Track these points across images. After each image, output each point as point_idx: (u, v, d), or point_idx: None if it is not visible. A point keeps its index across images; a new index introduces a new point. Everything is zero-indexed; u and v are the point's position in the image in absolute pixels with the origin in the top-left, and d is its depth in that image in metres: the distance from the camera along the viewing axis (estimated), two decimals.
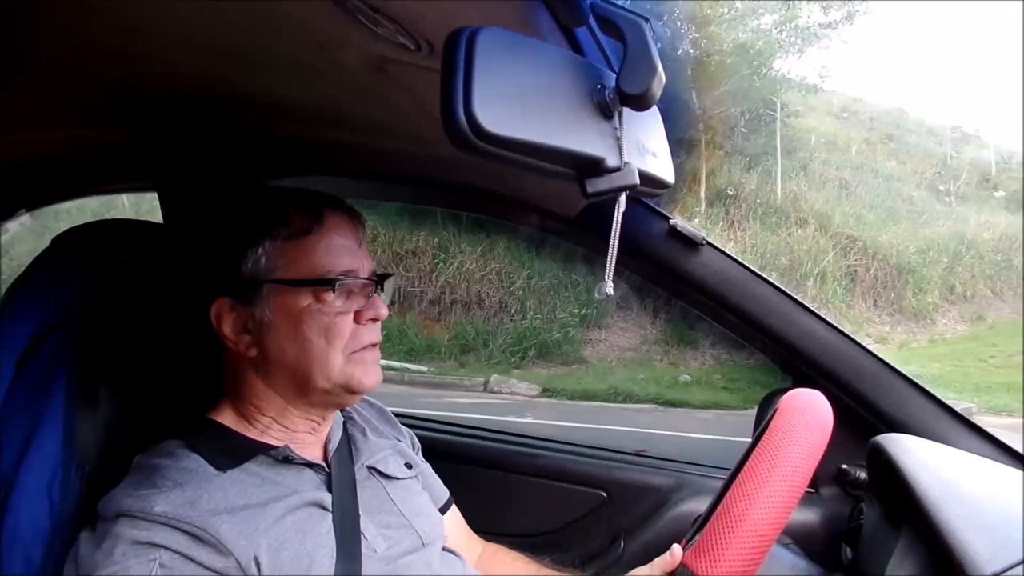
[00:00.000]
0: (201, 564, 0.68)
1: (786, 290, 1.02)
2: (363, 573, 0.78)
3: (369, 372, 0.81)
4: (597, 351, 7.70)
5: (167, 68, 0.72)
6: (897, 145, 11.92)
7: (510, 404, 6.51)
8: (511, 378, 7.02)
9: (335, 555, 0.76)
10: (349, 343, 0.79)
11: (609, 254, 0.49)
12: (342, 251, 0.80)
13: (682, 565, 0.58)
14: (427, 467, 1.01)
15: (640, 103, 0.45)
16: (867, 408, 0.98)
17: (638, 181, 0.46)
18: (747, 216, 9.03)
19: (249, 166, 1.22)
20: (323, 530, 0.77)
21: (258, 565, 0.70)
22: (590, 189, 0.46)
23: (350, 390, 0.80)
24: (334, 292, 0.78)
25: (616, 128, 0.47)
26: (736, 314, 1.02)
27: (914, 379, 0.98)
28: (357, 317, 0.80)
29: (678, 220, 1.01)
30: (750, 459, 0.62)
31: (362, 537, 0.80)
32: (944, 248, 9.35)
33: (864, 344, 1.01)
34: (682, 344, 7.55)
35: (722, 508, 0.58)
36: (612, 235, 0.49)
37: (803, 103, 10.88)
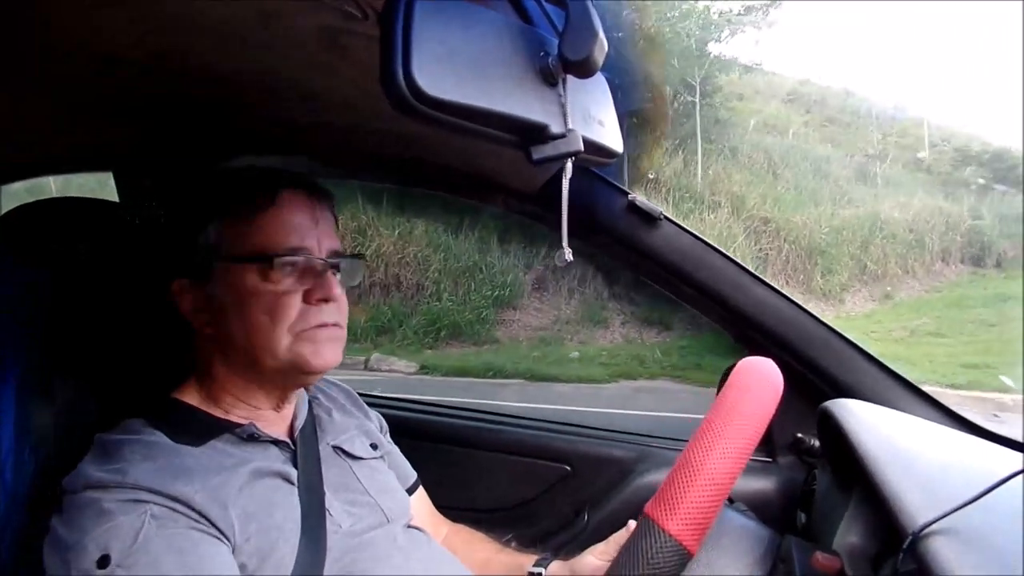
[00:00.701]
0: (187, 516, 0.68)
1: (740, 262, 1.05)
2: (328, 548, 0.78)
3: (320, 352, 0.79)
4: (509, 331, 8.01)
5: (112, 36, 0.71)
6: (836, 127, 12.28)
7: (389, 381, 6.76)
8: (392, 356, 7.36)
9: (299, 530, 0.76)
10: (297, 322, 0.78)
11: (562, 221, 0.50)
12: (293, 229, 0.79)
13: (643, 515, 0.59)
14: (395, 449, 1.02)
15: (582, 70, 0.46)
16: (819, 375, 1.01)
17: (582, 147, 0.47)
18: (664, 200, 9.20)
19: (205, 145, 1.20)
20: (290, 504, 0.77)
21: (232, 532, 0.70)
22: (535, 156, 0.47)
23: (300, 369, 0.79)
24: (273, 269, 0.76)
25: (560, 95, 0.48)
26: (692, 286, 1.04)
27: (862, 347, 1.01)
28: (307, 296, 0.79)
29: (637, 196, 1.02)
30: (707, 416, 0.64)
31: (327, 513, 0.81)
32: (858, 228, 9.65)
33: (813, 313, 1.04)
34: (593, 324, 7.93)
35: (680, 460, 0.60)
36: (563, 201, 0.50)
37: (749, 86, 11.09)
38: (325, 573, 0.76)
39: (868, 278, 9.53)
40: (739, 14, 10.35)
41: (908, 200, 10.28)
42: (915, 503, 0.59)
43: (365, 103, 0.92)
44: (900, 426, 0.84)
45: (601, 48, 0.45)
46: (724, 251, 1.04)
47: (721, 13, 10.38)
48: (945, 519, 0.55)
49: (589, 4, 0.45)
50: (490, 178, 1.10)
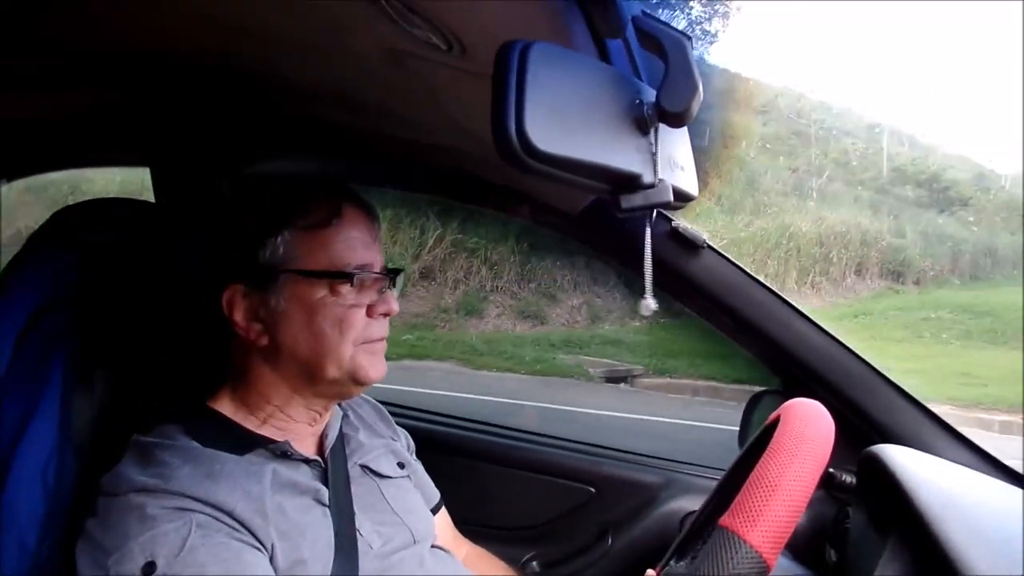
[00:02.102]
0: (230, 527, 0.69)
1: (782, 295, 1.04)
2: (360, 569, 0.78)
3: (376, 364, 0.81)
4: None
5: (163, 34, 0.70)
6: (799, 140, 12.53)
7: None
8: None
9: (333, 551, 0.76)
10: (360, 335, 0.79)
11: (645, 270, 0.49)
12: (358, 244, 0.80)
13: (719, 527, 0.59)
14: (420, 467, 1.02)
15: (678, 120, 0.45)
16: (856, 413, 1.00)
17: (672, 198, 0.46)
18: None
19: (243, 145, 1.20)
20: (321, 525, 0.77)
21: (271, 545, 0.71)
22: (625, 205, 0.46)
23: (357, 381, 0.80)
24: (351, 286, 0.78)
25: (651, 144, 0.47)
26: (732, 316, 1.03)
27: (902, 387, 1.00)
28: (369, 311, 0.80)
29: (680, 222, 1.02)
30: (773, 440, 0.64)
31: (358, 533, 0.81)
32: (763, 240, 9.72)
33: (855, 350, 1.03)
34: (468, 313, 8.27)
35: (754, 476, 0.61)
36: (645, 251, 0.49)
37: (719, 95, 11.12)
38: None
39: None
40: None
41: (826, 214, 10.47)
42: (983, 564, 0.58)
43: (412, 117, 0.92)
44: (958, 479, 0.83)
45: (699, 100, 0.45)
46: (766, 283, 1.03)
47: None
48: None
49: (690, 56, 0.45)
50: (532, 196, 1.09)
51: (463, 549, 1.06)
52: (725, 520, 0.59)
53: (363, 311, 0.80)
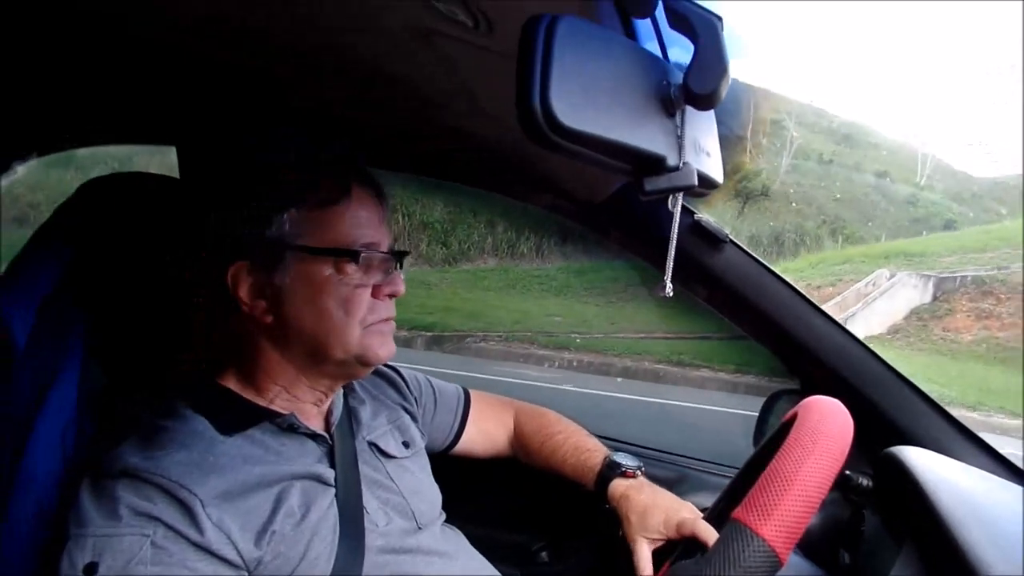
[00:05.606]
0: (196, 545, 0.66)
1: (803, 292, 1.02)
2: (366, 547, 0.78)
3: (384, 345, 0.81)
4: None
5: (194, 7, 0.70)
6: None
7: None
8: None
9: (338, 529, 0.76)
10: (367, 316, 0.79)
11: (668, 254, 0.49)
12: (366, 223, 0.79)
13: (732, 520, 0.58)
14: (429, 404, 1.06)
15: (706, 103, 0.45)
16: (874, 415, 0.99)
17: (696, 182, 0.46)
18: None
19: (269, 122, 1.20)
20: (325, 503, 0.77)
21: (257, 542, 0.70)
22: (648, 187, 0.45)
23: (364, 362, 0.80)
24: (357, 264, 0.77)
25: (677, 126, 0.46)
26: (752, 312, 1.02)
27: (922, 390, 0.98)
28: (375, 292, 0.80)
29: (702, 216, 1.00)
30: (790, 435, 0.63)
31: (364, 511, 0.81)
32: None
33: (875, 351, 1.01)
34: None
35: (769, 470, 0.60)
36: (671, 235, 0.48)
37: None
38: (363, 572, 0.77)
39: None
40: None
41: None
42: (1006, 570, 0.57)
43: (435, 97, 0.91)
44: (980, 485, 0.82)
45: (727, 82, 0.44)
46: (788, 280, 1.01)
47: None
48: None
49: (721, 37, 0.44)
50: (553, 182, 1.08)
51: (510, 412, 1.15)
52: (738, 513, 0.58)
53: (369, 291, 0.79)
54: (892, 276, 12.08)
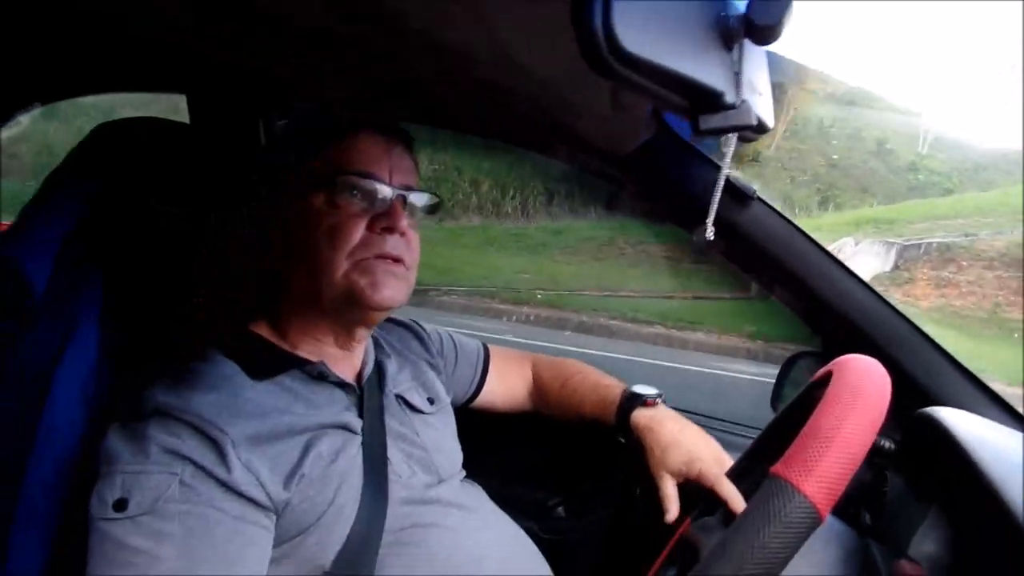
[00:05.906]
0: (224, 484, 0.66)
1: (829, 251, 1.00)
2: (389, 498, 0.78)
3: (377, 285, 0.76)
4: None
5: None
6: None
7: None
8: None
9: (363, 478, 0.76)
10: (357, 249, 0.76)
11: (713, 197, 0.46)
12: (363, 155, 0.77)
13: (771, 474, 0.58)
14: (451, 357, 1.06)
15: (767, 36, 0.42)
16: (899, 376, 0.97)
17: (755, 121, 0.43)
18: None
19: (278, 75, 1.17)
20: (352, 451, 0.77)
21: (286, 485, 0.70)
22: (703, 126, 0.43)
23: (357, 302, 0.77)
24: (338, 190, 0.75)
25: (734, 61, 0.43)
26: (777, 270, 1.00)
27: (950, 353, 0.97)
28: (371, 224, 0.77)
29: (731, 171, 0.97)
30: (828, 392, 0.62)
31: (388, 461, 0.81)
32: None
33: (901, 311, 0.99)
34: None
35: (809, 427, 0.59)
36: (719, 177, 0.46)
37: None
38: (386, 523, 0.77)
39: None
40: None
41: None
42: None
43: (457, 45, 0.88)
44: (1013, 441, 0.80)
45: (791, 15, 0.41)
46: (815, 239, 0.99)
47: None
48: None
49: None
50: (578, 135, 1.05)
51: (527, 363, 1.15)
52: (778, 468, 0.57)
53: (362, 224, 0.76)
54: (857, 244, 12.10)
